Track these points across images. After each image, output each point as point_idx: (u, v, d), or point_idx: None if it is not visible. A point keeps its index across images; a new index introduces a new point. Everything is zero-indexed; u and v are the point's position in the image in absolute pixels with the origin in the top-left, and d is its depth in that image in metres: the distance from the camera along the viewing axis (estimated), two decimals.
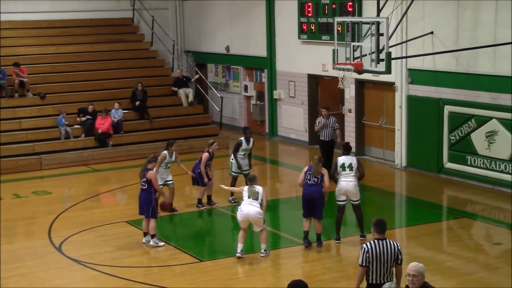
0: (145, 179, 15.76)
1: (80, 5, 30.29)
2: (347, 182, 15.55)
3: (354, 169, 15.64)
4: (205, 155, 18.38)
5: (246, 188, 15.02)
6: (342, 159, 15.82)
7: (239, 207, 14.98)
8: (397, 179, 21.95)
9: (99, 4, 30.67)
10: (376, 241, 10.10)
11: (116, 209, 19.50)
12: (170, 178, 18.13)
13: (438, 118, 20.80)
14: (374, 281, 10.13)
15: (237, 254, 14.93)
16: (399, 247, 10.16)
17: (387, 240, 10.13)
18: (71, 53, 28.56)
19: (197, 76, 29.13)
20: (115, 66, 28.74)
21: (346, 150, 16.14)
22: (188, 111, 27.75)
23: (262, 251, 15.06)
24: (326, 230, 16.26)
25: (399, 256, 10.13)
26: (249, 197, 14.82)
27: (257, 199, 14.78)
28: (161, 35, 30.86)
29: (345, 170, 15.63)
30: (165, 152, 17.94)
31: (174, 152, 18.05)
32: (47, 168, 23.65)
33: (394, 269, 10.22)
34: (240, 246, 14.96)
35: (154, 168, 16.13)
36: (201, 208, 18.65)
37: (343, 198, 15.71)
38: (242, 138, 19.05)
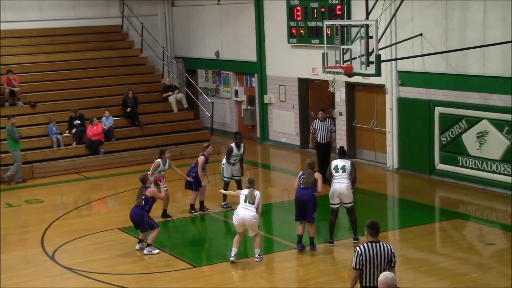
0: (144, 197, 15.74)
1: (69, 13, 30.27)
2: (339, 184, 15.58)
3: (347, 171, 15.66)
4: (201, 158, 18.39)
5: (245, 191, 15.01)
6: (335, 162, 15.92)
7: (235, 211, 14.99)
8: (389, 181, 21.98)
9: (88, 12, 30.64)
10: (369, 243, 10.10)
11: (109, 216, 19.48)
12: (163, 185, 18.12)
13: (429, 119, 20.85)
14: (367, 284, 10.12)
15: (231, 258, 14.93)
16: (393, 250, 10.16)
17: (381, 242, 10.13)
18: (62, 61, 28.53)
19: (178, 92, 28.82)
20: (106, 73, 28.72)
21: (341, 154, 16.23)
22: (179, 117, 27.74)
23: (256, 255, 15.06)
24: (320, 233, 16.30)
25: (393, 259, 10.13)
26: (245, 201, 14.83)
27: (253, 203, 14.79)
28: (151, 42, 30.85)
29: (338, 172, 15.67)
30: (158, 160, 17.94)
31: (167, 160, 18.07)
32: (39, 177, 23.59)
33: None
34: (234, 251, 14.97)
35: (151, 185, 16.20)
36: (194, 213, 18.65)
37: (337, 201, 15.73)
38: (233, 144, 19.06)
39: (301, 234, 15.57)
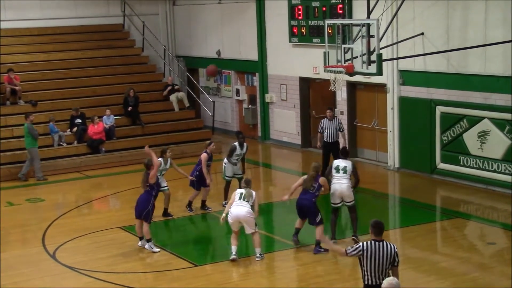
0: (148, 184, 15.80)
1: (70, 12, 30.26)
2: (340, 184, 15.64)
3: (348, 172, 15.73)
4: (204, 156, 18.37)
5: (241, 190, 15.08)
6: (337, 162, 16.02)
7: (229, 210, 15.01)
8: (390, 180, 21.97)
9: (89, 10, 30.64)
10: (372, 241, 10.13)
11: (110, 215, 19.47)
12: (164, 184, 18.14)
13: (430, 119, 20.84)
14: (369, 282, 10.15)
15: (232, 257, 14.94)
16: (396, 250, 10.15)
17: (384, 242, 10.14)
18: (62, 60, 28.51)
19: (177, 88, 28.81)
20: (107, 72, 28.71)
21: (343, 154, 16.31)
22: (180, 116, 27.73)
23: (257, 255, 15.06)
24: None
25: (396, 259, 10.13)
26: (239, 199, 14.90)
27: (248, 201, 14.85)
28: (152, 41, 30.84)
29: (338, 173, 15.74)
30: (160, 159, 17.90)
31: (169, 159, 18.06)
32: None
33: (391, 271, 10.23)
34: (233, 248, 14.99)
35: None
36: (189, 211, 18.63)
37: (338, 200, 15.77)
38: (236, 143, 19.04)
39: (299, 228, 15.69)
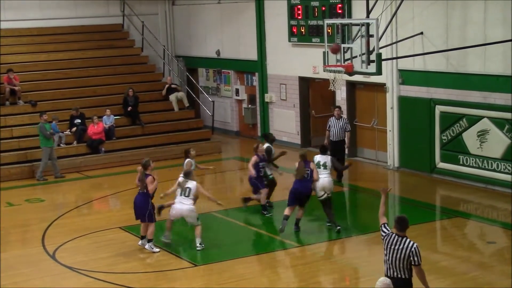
0: (146, 184, 15.76)
1: (70, 12, 30.26)
2: (322, 178, 16.58)
3: (328, 167, 16.69)
4: (254, 158, 18.20)
5: (180, 180, 15.66)
6: (317, 158, 16.91)
7: (173, 205, 15.63)
8: (390, 180, 21.95)
9: (89, 10, 30.64)
10: (395, 234, 10.44)
11: (110, 215, 19.48)
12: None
13: (429, 118, 20.85)
14: (386, 273, 10.43)
15: (167, 241, 15.83)
16: (413, 249, 10.26)
17: (405, 238, 10.38)
18: (62, 60, 28.51)
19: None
20: (106, 72, 28.70)
21: (322, 151, 17.11)
22: (180, 116, 27.73)
23: (198, 244, 15.60)
24: (317, 233, 16.48)
25: (411, 257, 10.27)
26: (180, 194, 15.53)
27: (188, 196, 15.41)
28: (152, 40, 30.85)
29: (320, 168, 16.65)
30: (187, 160, 17.76)
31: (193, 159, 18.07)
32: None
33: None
34: (169, 234, 15.86)
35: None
36: (266, 214, 18.25)
37: (321, 193, 16.59)
38: (268, 145, 18.92)
39: (288, 215, 16.31)
